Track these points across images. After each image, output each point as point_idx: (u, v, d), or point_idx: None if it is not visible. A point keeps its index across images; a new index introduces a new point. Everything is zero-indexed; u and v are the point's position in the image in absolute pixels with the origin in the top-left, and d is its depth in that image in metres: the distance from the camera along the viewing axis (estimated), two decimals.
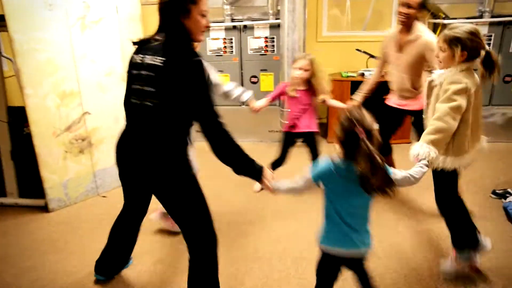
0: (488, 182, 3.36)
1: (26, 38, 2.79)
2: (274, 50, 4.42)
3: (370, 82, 3.23)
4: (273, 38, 4.37)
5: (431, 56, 2.64)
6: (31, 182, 3.17)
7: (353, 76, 4.41)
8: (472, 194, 3.18)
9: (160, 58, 1.62)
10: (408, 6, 2.72)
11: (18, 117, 3.14)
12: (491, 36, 4.13)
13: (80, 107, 3.18)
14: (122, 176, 1.94)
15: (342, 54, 4.78)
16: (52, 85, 2.99)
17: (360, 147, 1.47)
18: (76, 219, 3.05)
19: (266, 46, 4.41)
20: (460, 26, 1.90)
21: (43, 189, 3.07)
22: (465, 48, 1.86)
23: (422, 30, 2.81)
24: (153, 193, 1.89)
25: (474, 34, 1.87)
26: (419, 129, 2.85)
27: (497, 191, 3.13)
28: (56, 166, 3.11)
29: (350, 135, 1.49)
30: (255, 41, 4.42)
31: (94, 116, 3.27)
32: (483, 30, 4.12)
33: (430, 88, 2.06)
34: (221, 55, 4.44)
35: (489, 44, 4.15)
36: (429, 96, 2.07)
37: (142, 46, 1.73)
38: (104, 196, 3.41)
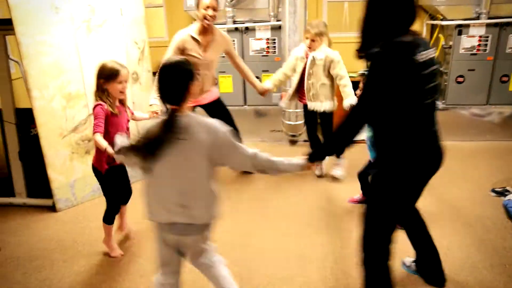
0: (486, 180, 3.42)
1: (33, 41, 2.84)
2: (275, 51, 4.47)
3: None
4: (274, 39, 4.44)
5: (233, 49, 3.46)
6: (39, 182, 3.21)
7: (353, 77, 4.44)
8: (472, 192, 3.24)
9: (432, 49, 1.73)
10: (214, 9, 3.10)
11: (25, 119, 3.19)
12: (488, 37, 4.20)
13: (86, 108, 3.22)
14: (422, 182, 1.84)
15: (342, 55, 4.82)
16: (58, 87, 3.03)
17: None
18: (83, 218, 3.09)
19: (268, 47, 4.48)
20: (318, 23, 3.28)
21: (50, 189, 3.11)
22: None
23: (218, 29, 3.31)
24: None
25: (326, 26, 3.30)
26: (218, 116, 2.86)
27: (496, 189, 3.19)
28: (63, 167, 3.15)
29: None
30: (256, 43, 4.48)
31: None
32: (480, 32, 4.19)
33: (313, 63, 3.33)
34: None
35: (485, 45, 4.23)
36: (312, 68, 3.35)
37: (410, 45, 1.64)
38: None
